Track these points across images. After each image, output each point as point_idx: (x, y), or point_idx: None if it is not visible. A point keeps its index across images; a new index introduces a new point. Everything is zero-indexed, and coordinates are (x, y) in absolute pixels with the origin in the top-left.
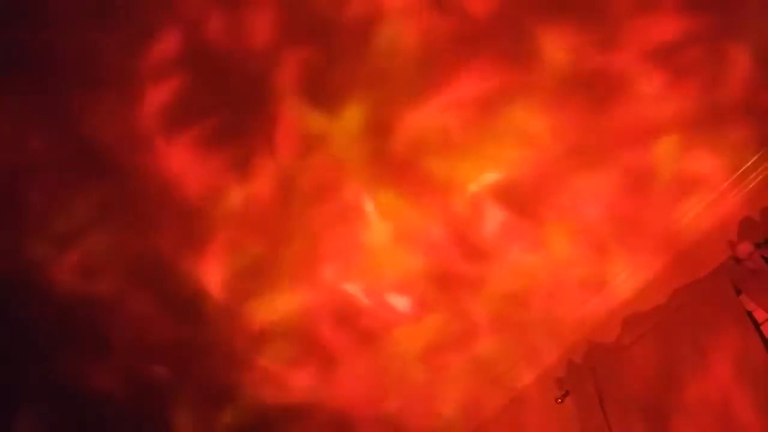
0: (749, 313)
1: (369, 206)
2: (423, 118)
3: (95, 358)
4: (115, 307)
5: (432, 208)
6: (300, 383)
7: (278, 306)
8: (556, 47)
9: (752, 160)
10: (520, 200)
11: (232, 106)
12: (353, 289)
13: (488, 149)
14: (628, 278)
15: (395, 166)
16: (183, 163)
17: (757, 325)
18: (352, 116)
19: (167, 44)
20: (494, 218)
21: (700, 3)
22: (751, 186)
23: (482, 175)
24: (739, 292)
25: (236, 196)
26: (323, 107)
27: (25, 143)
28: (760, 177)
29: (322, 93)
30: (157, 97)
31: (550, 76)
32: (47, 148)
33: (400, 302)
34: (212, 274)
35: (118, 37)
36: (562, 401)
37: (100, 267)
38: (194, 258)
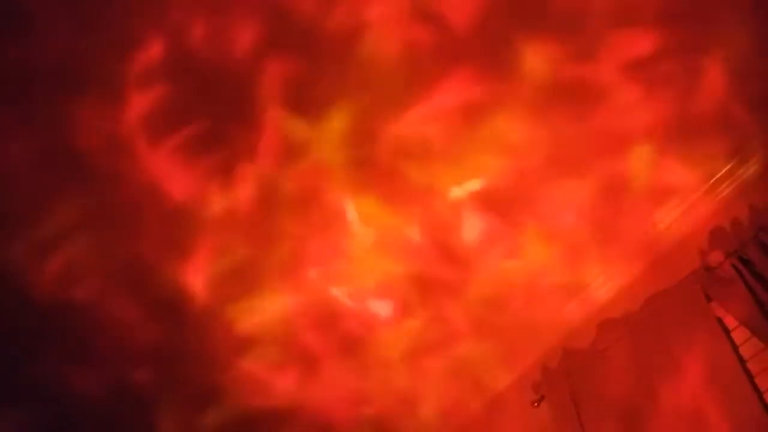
0: (719, 320)
1: (351, 212)
2: (405, 127)
3: (78, 361)
4: (97, 311)
5: (413, 215)
6: (283, 386)
7: (261, 310)
8: (536, 58)
9: (723, 171)
10: (500, 207)
11: (215, 114)
12: (336, 293)
13: (468, 158)
14: (602, 285)
15: (377, 174)
16: (166, 168)
17: (727, 332)
18: (334, 124)
19: (151, 51)
20: (474, 225)
21: (675, 17)
22: (722, 196)
23: (462, 183)
24: (709, 299)
25: (219, 202)
26: (306, 115)
27: (6, 149)
28: (731, 187)
29: (306, 102)
30: (141, 103)
31: (529, 87)
32: (29, 153)
33: (382, 307)
34: (196, 279)
35: (100, 42)
36: (538, 405)
37: (82, 272)
38: (177, 263)
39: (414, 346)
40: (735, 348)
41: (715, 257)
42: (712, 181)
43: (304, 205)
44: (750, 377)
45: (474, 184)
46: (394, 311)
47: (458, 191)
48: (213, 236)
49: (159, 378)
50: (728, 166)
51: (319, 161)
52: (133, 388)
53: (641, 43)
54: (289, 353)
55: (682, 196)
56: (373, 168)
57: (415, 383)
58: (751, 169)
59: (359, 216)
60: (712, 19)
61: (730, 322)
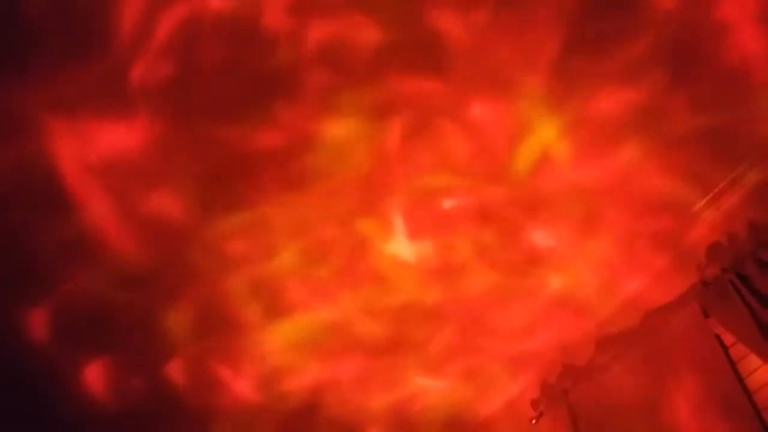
0: (718, 336)
1: None
2: None
3: None
4: None
5: None
6: None
7: None
8: None
9: (720, 186)
10: None
11: None
12: None
13: None
14: (600, 301)
15: None
16: None
17: (725, 349)
18: None
19: None
20: None
21: None
22: (719, 211)
23: None
24: (707, 315)
25: None
26: None
27: None
28: (728, 203)
29: None
30: None
31: None
32: None
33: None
34: None
35: None
36: (537, 422)
37: None
38: None
39: None
40: (733, 364)
41: (712, 272)
42: (709, 196)
43: None
44: (748, 394)
45: None
46: None
47: None
48: None
49: None
50: (726, 181)
51: None
52: None
53: None
54: None
55: (679, 212)
56: None
57: None
58: (749, 185)
59: None
60: None
61: (728, 338)
